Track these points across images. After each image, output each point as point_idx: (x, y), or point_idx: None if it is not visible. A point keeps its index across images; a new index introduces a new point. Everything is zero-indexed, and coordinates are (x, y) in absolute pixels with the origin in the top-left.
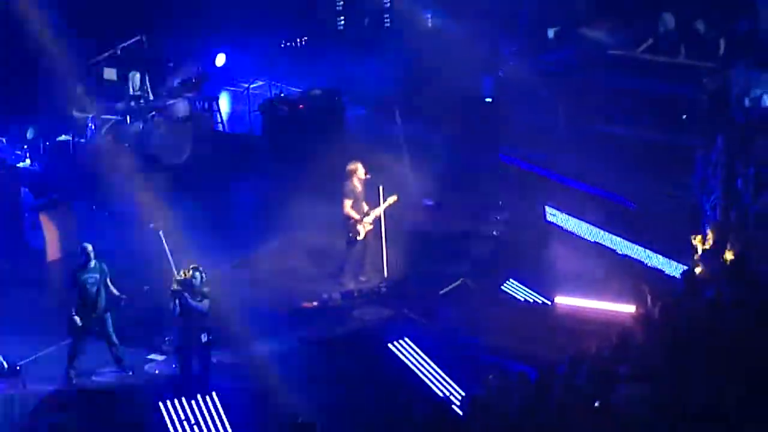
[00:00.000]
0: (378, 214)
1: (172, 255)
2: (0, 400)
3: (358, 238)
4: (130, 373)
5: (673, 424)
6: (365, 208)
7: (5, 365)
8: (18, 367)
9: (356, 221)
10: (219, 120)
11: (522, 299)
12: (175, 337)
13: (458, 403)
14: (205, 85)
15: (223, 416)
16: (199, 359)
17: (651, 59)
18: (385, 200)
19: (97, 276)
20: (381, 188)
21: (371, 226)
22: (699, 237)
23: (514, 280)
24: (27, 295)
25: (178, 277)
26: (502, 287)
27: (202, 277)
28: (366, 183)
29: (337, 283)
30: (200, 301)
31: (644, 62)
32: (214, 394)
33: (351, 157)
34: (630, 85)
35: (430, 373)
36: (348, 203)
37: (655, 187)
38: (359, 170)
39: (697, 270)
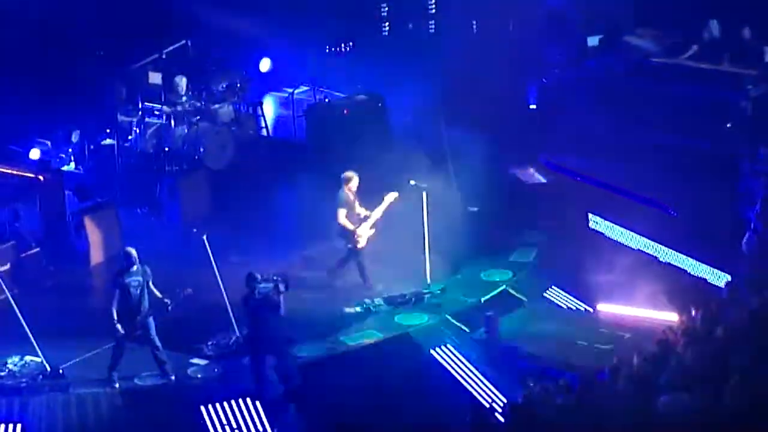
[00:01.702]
0: (377, 218)
1: (215, 259)
2: (44, 402)
3: (358, 247)
4: (173, 377)
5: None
6: (363, 215)
7: (49, 368)
8: (61, 371)
9: (352, 231)
10: (263, 125)
11: (564, 306)
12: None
13: (500, 410)
14: (250, 89)
15: (265, 421)
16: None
17: (695, 66)
18: (383, 201)
19: (141, 279)
20: (425, 195)
21: (372, 231)
22: None
23: (557, 287)
24: (71, 299)
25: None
26: (545, 294)
27: (278, 288)
28: (360, 192)
29: (367, 292)
30: (267, 310)
31: (688, 70)
32: (256, 399)
33: (395, 163)
34: (674, 92)
35: (472, 379)
36: (342, 213)
37: (699, 196)
38: (354, 180)
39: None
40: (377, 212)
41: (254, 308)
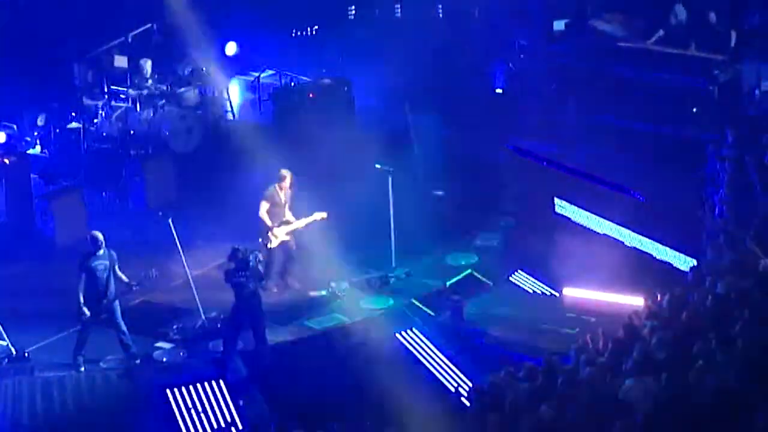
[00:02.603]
0: (297, 227)
1: (181, 243)
2: (9, 386)
3: (268, 245)
4: (138, 361)
5: (679, 417)
6: (288, 218)
7: (14, 352)
8: (26, 354)
9: (268, 228)
10: (229, 108)
11: (530, 290)
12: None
13: (465, 394)
14: (216, 73)
15: (230, 403)
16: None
17: (662, 51)
18: (311, 215)
19: (107, 263)
20: (390, 179)
21: (288, 238)
22: None
23: (523, 271)
24: (36, 282)
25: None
26: (510, 278)
27: (257, 258)
28: (294, 197)
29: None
30: (254, 281)
31: (655, 54)
32: (221, 381)
33: (360, 146)
34: (640, 77)
35: (438, 363)
36: (264, 206)
37: (665, 180)
38: (287, 179)
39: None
40: (299, 222)
41: (239, 282)
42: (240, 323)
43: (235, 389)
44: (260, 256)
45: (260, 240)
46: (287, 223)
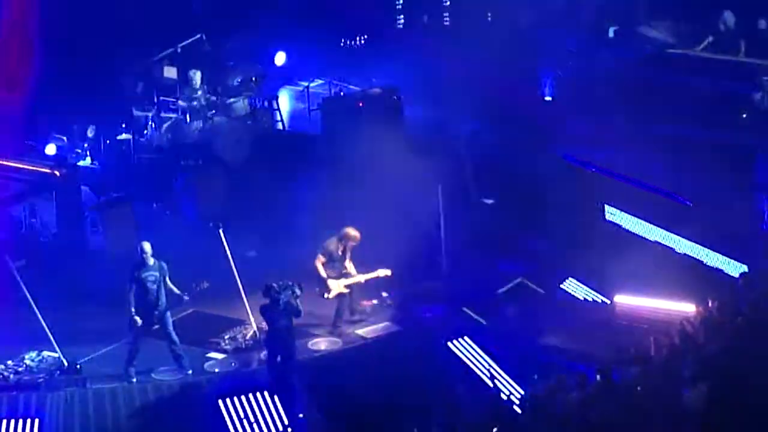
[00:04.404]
0: (357, 282)
1: (231, 253)
2: (61, 398)
3: (325, 295)
4: (190, 372)
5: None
6: (348, 270)
7: (66, 364)
8: (78, 366)
9: (323, 279)
10: (279, 118)
11: (581, 298)
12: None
13: (518, 402)
14: (265, 83)
15: (282, 413)
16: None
17: (711, 57)
18: (375, 271)
19: (157, 274)
20: (440, 188)
21: (347, 290)
22: None
23: (574, 279)
24: (87, 294)
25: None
26: (562, 286)
27: (295, 294)
28: (354, 253)
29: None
30: (287, 317)
31: (704, 61)
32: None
33: (410, 155)
34: (690, 83)
35: (489, 371)
36: (320, 259)
37: (715, 187)
38: (351, 240)
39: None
40: (360, 277)
41: (274, 317)
42: (274, 355)
43: (288, 400)
44: (297, 291)
45: (317, 290)
46: (347, 275)
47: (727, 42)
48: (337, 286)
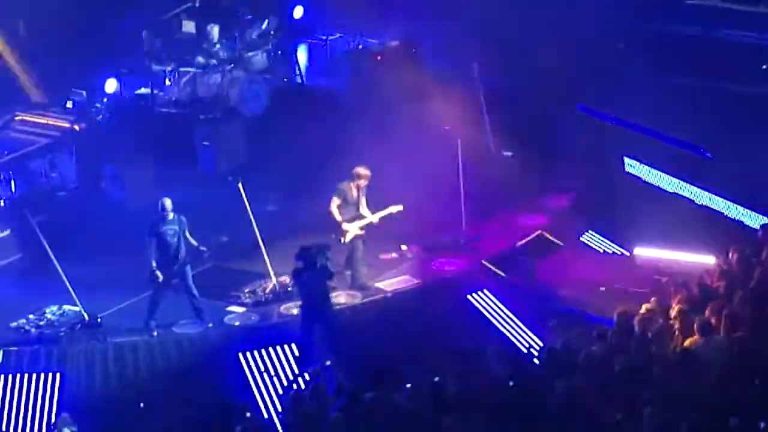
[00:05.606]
0: (371, 222)
1: (250, 206)
2: (82, 351)
3: (341, 240)
4: (210, 325)
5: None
6: (360, 212)
7: (87, 317)
8: (99, 320)
9: (338, 223)
10: (297, 72)
11: (601, 250)
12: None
13: (537, 354)
14: (283, 37)
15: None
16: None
17: (730, 8)
18: (386, 209)
19: (177, 228)
20: (459, 142)
21: (361, 232)
22: None
23: (593, 231)
24: (107, 248)
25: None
26: (581, 238)
27: (326, 257)
28: (369, 190)
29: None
30: (322, 280)
31: (723, 11)
32: (293, 345)
33: (429, 108)
34: (709, 34)
35: (509, 324)
36: (334, 202)
37: (735, 138)
38: (363, 178)
39: None
40: (374, 217)
41: (311, 280)
42: (311, 325)
43: (308, 355)
44: (329, 255)
45: (332, 236)
46: (361, 217)
47: None
48: (353, 228)
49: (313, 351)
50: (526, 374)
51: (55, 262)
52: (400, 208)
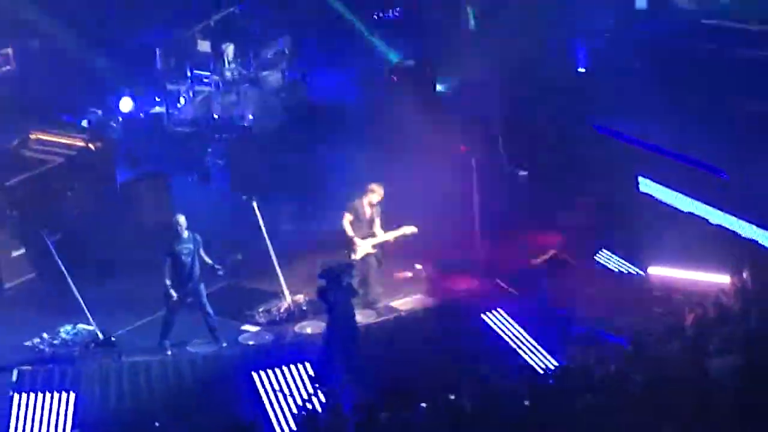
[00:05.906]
0: (384, 240)
1: (265, 226)
2: (96, 371)
3: (352, 256)
4: (224, 345)
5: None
6: (373, 230)
7: (101, 336)
8: (113, 339)
9: (350, 238)
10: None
11: (615, 270)
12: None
13: (552, 374)
14: (298, 56)
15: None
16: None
17: (745, 28)
18: (399, 228)
19: (191, 247)
20: (474, 162)
21: (374, 251)
22: None
23: (607, 250)
24: (122, 267)
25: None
26: (595, 257)
27: (351, 274)
28: (383, 209)
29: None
30: (347, 298)
31: (738, 30)
32: (307, 364)
33: (444, 127)
34: (724, 53)
35: (523, 343)
36: (347, 218)
37: (749, 158)
38: (374, 194)
39: None
40: (387, 235)
41: (337, 299)
42: (332, 344)
43: (322, 374)
44: (354, 273)
45: (344, 251)
46: (373, 236)
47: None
48: (364, 246)
49: (330, 370)
50: (542, 393)
51: (70, 280)
52: (414, 229)
